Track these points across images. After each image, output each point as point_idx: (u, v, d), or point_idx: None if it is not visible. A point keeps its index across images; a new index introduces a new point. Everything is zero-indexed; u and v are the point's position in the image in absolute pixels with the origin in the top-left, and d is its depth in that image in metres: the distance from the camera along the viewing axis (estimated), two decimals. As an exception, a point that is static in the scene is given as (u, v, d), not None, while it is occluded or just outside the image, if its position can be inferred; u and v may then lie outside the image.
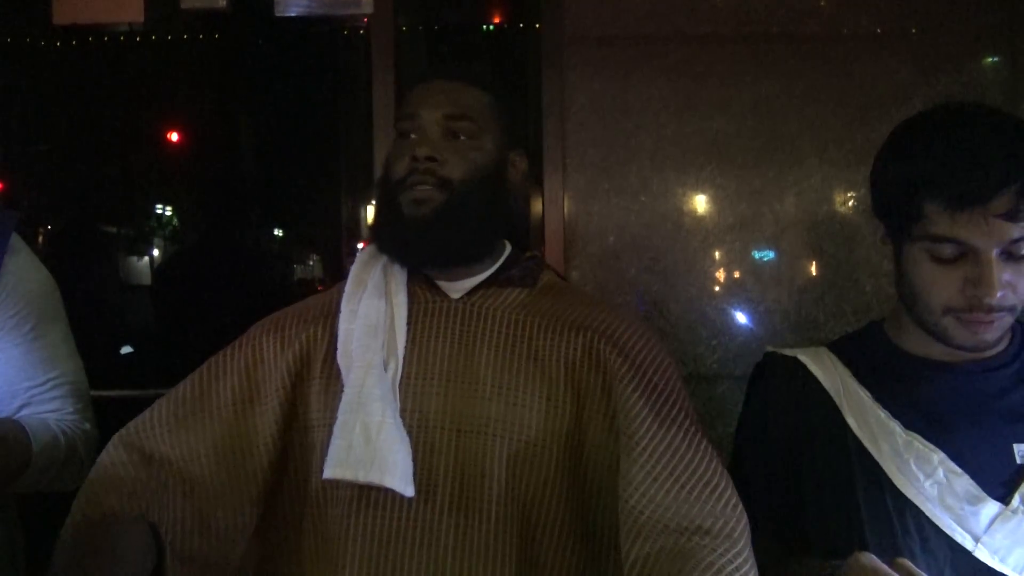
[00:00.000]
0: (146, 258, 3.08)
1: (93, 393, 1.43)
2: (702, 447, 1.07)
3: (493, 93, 1.19)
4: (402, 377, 1.11)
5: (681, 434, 1.07)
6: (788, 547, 1.13)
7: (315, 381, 1.15)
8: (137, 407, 1.20)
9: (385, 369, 1.10)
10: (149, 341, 2.71)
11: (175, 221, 3.09)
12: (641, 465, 1.03)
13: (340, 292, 1.20)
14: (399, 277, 1.18)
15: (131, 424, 1.16)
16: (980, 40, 2.16)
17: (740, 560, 0.98)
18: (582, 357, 1.12)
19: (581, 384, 1.11)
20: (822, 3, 2.19)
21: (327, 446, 1.07)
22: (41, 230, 2.84)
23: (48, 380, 1.35)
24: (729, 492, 1.04)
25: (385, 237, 1.18)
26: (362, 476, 1.04)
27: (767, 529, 1.14)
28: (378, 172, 2.19)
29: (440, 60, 1.27)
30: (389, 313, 1.14)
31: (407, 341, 1.13)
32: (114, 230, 3.00)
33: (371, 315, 1.13)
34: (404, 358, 1.12)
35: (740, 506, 1.04)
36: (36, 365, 1.34)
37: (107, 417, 1.43)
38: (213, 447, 1.12)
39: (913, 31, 2.16)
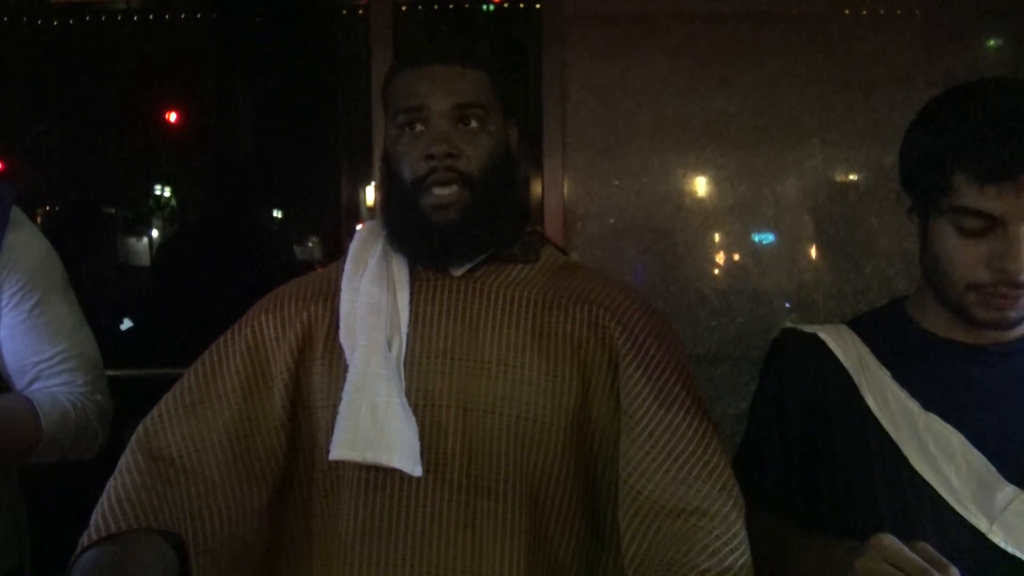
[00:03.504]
0: (145, 239, 3.08)
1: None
2: (701, 427, 1.06)
3: (490, 70, 1.16)
4: (406, 356, 1.10)
5: (681, 414, 1.06)
6: (800, 523, 1.13)
7: (317, 361, 1.14)
8: (137, 386, 1.19)
9: (389, 348, 1.09)
10: (149, 321, 2.71)
11: (174, 202, 3.08)
12: (640, 445, 1.03)
13: (339, 270, 1.18)
14: (400, 256, 1.17)
15: (143, 422, 1.14)
16: (983, 20, 2.15)
17: (736, 542, 0.98)
18: (587, 333, 1.11)
19: (587, 360, 1.10)
20: (824, -20, 2.18)
21: (332, 426, 1.07)
22: (40, 210, 2.83)
23: (56, 353, 1.35)
24: (727, 474, 1.04)
25: (410, 243, 1.14)
26: (369, 456, 1.04)
27: (778, 505, 1.15)
28: (377, 153, 2.20)
29: (429, 40, 1.20)
30: (391, 292, 1.13)
31: (410, 319, 1.12)
32: (113, 211, 2.99)
33: (373, 294, 1.12)
34: (408, 336, 1.11)
35: (736, 487, 1.04)
36: (43, 339, 1.34)
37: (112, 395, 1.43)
38: (225, 434, 1.11)
39: (916, 11, 2.15)
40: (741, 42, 2.15)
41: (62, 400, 1.32)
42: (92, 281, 2.72)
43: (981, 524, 1.03)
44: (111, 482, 1.08)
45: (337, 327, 1.13)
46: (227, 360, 1.15)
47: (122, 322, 2.70)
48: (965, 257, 1.03)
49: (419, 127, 1.12)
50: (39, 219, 2.79)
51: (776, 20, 2.15)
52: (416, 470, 1.04)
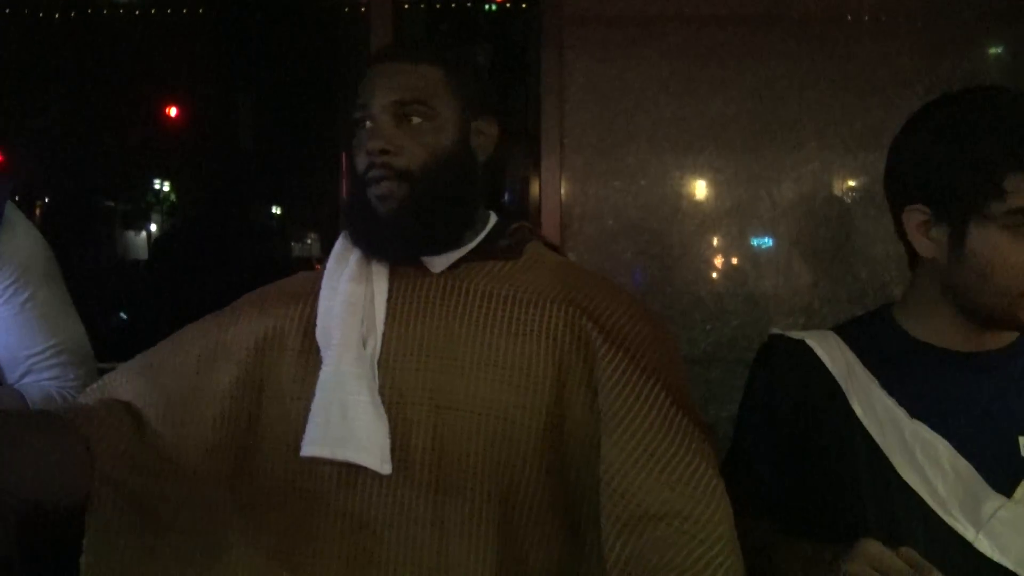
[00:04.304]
0: (143, 233, 3.08)
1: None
2: (683, 429, 1.05)
3: (446, 66, 1.14)
4: (381, 354, 1.10)
5: (662, 416, 1.05)
6: (787, 529, 1.13)
7: (289, 352, 1.14)
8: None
9: (364, 346, 1.09)
10: (146, 315, 2.71)
11: (172, 197, 3.09)
12: (620, 447, 1.02)
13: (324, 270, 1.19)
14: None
15: (98, 381, 1.19)
16: (982, 27, 2.15)
17: (720, 546, 0.97)
18: (563, 332, 1.10)
19: (563, 359, 1.09)
20: (824, -16, 2.18)
21: (303, 420, 1.07)
22: (38, 204, 2.84)
23: (48, 348, 1.35)
24: (710, 475, 1.03)
25: (358, 233, 1.16)
26: (339, 454, 1.04)
27: (766, 510, 1.15)
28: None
29: (395, 40, 1.18)
30: (369, 290, 1.13)
31: (387, 317, 1.12)
32: (112, 205, 2.99)
33: (351, 292, 1.12)
34: (383, 335, 1.11)
35: (721, 488, 1.03)
36: (35, 333, 1.34)
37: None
38: (166, 397, 1.13)
39: (916, 17, 2.15)
40: (740, 45, 2.15)
41: (53, 394, 1.32)
42: (89, 275, 2.72)
43: (967, 532, 1.03)
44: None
45: (315, 323, 1.13)
46: (195, 339, 1.17)
47: (118, 316, 2.70)
48: (1022, 262, 1.02)
49: (367, 124, 1.13)
50: (37, 212, 2.80)
51: (775, 24, 2.15)
52: (385, 468, 1.04)
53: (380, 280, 1.14)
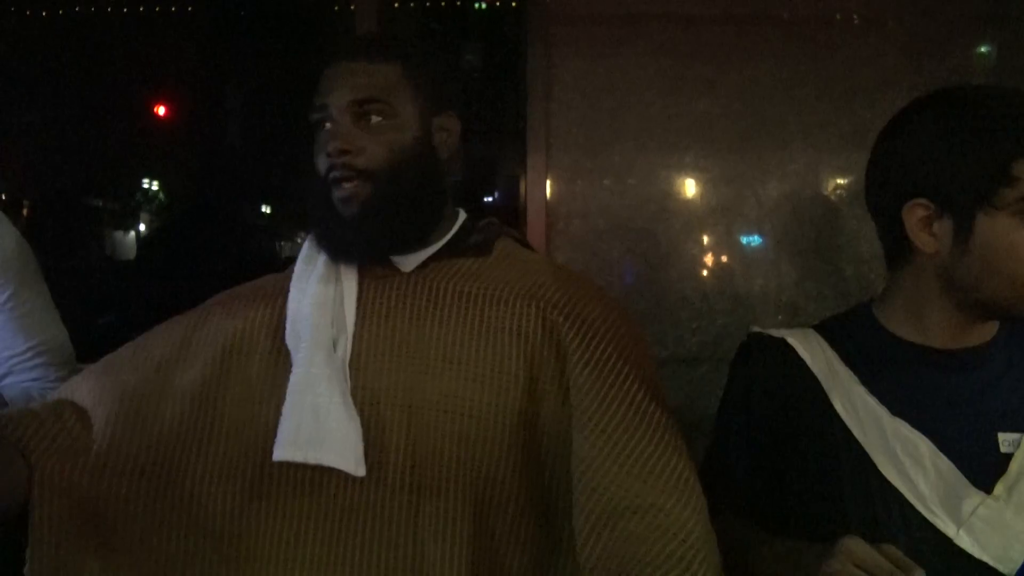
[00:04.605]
0: (132, 232, 3.07)
1: (77, 367, 1.43)
2: (654, 422, 1.05)
3: (405, 63, 1.13)
4: (352, 355, 1.09)
5: (633, 410, 1.05)
6: (766, 527, 1.13)
7: (257, 355, 1.13)
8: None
9: (335, 348, 1.08)
10: (134, 316, 2.70)
11: (161, 196, 3.07)
12: (592, 442, 1.03)
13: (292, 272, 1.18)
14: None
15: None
16: (965, 28, 2.16)
17: (693, 538, 0.98)
18: (535, 328, 1.10)
19: (535, 356, 1.09)
20: (810, -15, 2.19)
21: (274, 423, 1.06)
22: (26, 202, 2.82)
23: (29, 349, 1.35)
24: (682, 467, 1.03)
25: (322, 236, 1.15)
26: (312, 457, 1.03)
27: (745, 509, 1.15)
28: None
29: (351, 36, 1.16)
30: (339, 291, 1.12)
31: (357, 318, 1.11)
32: (100, 204, 2.98)
33: (320, 293, 1.11)
34: (354, 336, 1.10)
35: (693, 480, 1.03)
36: (16, 334, 1.34)
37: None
38: (121, 394, 1.11)
39: (901, 18, 2.16)
40: (726, 45, 2.16)
41: (34, 395, 1.32)
42: (76, 275, 2.71)
43: (948, 529, 1.03)
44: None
45: (284, 326, 1.12)
46: (160, 338, 1.16)
47: (105, 317, 2.69)
48: None
49: (327, 124, 1.11)
50: (24, 211, 2.79)
51: (762, 24, 2.16)
52: (359, 470, 1.03)
53: (349, 281, 1.13)
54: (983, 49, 2.18)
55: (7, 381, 1.33)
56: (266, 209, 3.05)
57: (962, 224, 1.05)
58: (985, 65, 2.17)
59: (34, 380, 1.34)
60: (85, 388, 1.14)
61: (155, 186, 3.08)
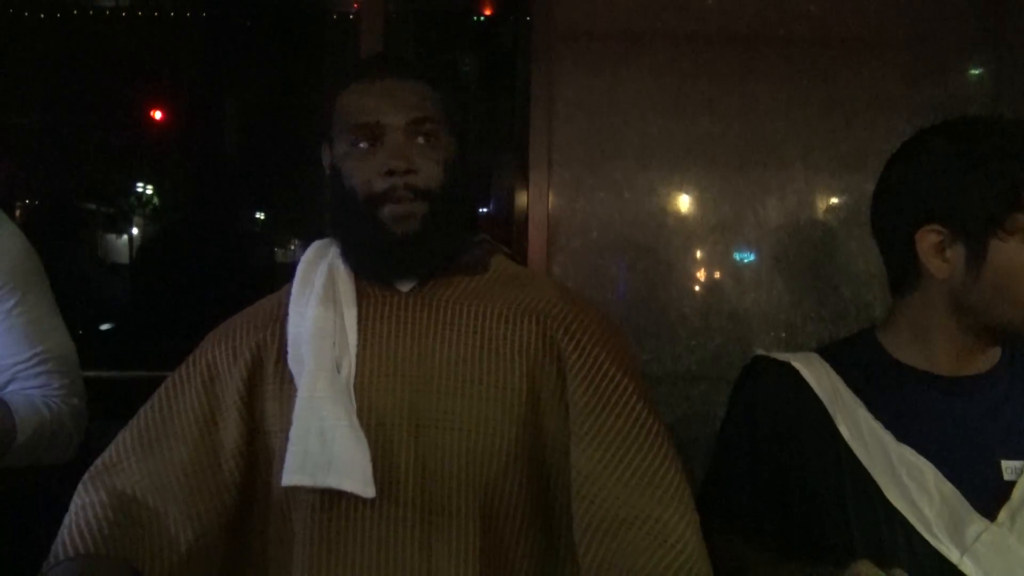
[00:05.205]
0: (125, 236, 3.05)
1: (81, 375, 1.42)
2: (651, 434, 1.07)
3: (442, 85, 1.15)
4: (356, 377, 1.09)
5: (631, 422, 1.07)
6: (769, 549, 1.14)
7: (268, 387, 1.13)
8: (115, 388, 1.19)
9: (338, 370, 1.08)
10: (128, 321, 2.69)
11: (156, 200, 3.06)
12: (590, 455, 1.04)
13: (288, 294, 1.17)
14: (346, 274, 1.16)
15: (99, 460, 1.13)
16: (965, 52, 2.18)
17: (689, 550, 1.00)
18: (537, 344, 1.11)
19: (536, 371, 1.10)
20: (811, 7, 2.20)
21: (283, 450, 1.06)
22: (19, 205, 2.81)
23: (33, 356, 1.34)
24: (678, 479, 1.05)
25: (369, 257, 1.14)
26: (320, 481, 1.03)
27: (748, 530, 1.16)
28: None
29: (378, 54, 1.15)
30: (338, 312, 1.12)
31: (359, 339, 1.11)
32: (93, 207, 2.97)
33: (320, 316, 1.11)
34: (357, 357, 1.10)
35: (688, 493, 1.05)
36: (20, 340, 1.33)
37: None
38: (183, 471, 1.10)
39: (900, 41, 2.18)
40: (727, 64, 2.17)
41: (38, 403, 1.31)
42: (71, 279, 2.69)
43: (952, 555, 1.05)
44: (70, 517, 1.06)
45: (286, 351, 1.12)
46: (183, 396, 1.15)
47: (101, 321, 2.68)
48: None
49: (376, 145, 1.11)
50: (18, 213, 2.77)
51: (762, 44, 2.17)
52: (369, 491, 1.03)
53: (348, 301, 1.13)
54: (981, 73, 2.20)
55: (11, 387, 1.32)
56: (260, 215, 3.04)
57: (975, 249, 1.07)
58: (983, 89, 2.19)
59: (38, 387, 1.33)
60: (137, 472, 1.10)
61: (149, 190, 3.06)
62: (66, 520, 1.07)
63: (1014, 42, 2.18)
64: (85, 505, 1.07)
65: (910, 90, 2.15)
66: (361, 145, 1.11)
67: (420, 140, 1.11)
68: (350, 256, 1.16)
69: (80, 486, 1.11)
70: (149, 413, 1.15)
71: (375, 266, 1.14)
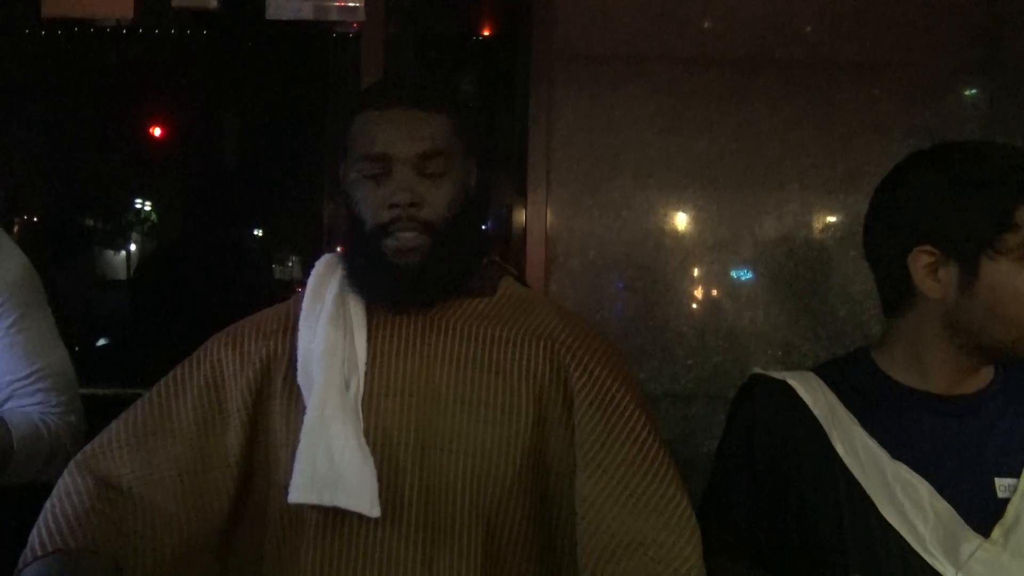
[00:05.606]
0: (123, 252, 3.06)
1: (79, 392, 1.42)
2: (656, 460, 1.08)
3: (452, 112, 1.14)
4: (364, 395, 1.09)
5: (636, 448, 1.07)
6: (766, 567, 1.14)
7: (276, 399, 1.13)
8: (111, 405, 1.18)
9: (347, 388, 1.08)
10: (125, 337, 2.69)
11: (154, 216, 3.07)
12: (595, 482, 1.05)
13: (297, 304, 1.18)
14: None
15: (89, 446, 1.12)
16: (960, 76, 2.21)
17: (694, 573, 1.01)
18: (544, 368, 1.12)
19: (543, 396, 1.11)
20: (808, 31, 2.22)
21: (289, 466, 1.06)
22: (17, 221, 2.81)
23: (31, 373, 1.34)
24: (684, 504, 1.06)
25: (371, 285, 1.14)
26: (327, 499, 1.03)
27: (743, 549, 1.17)
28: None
29: (392, 80, 1.13)
30: (348, 330, 1.12)
31: (368, 358, 1.11)
32: (91, 223, 2.97)
33: (330, 333, 1.11)
34: (365, 375, 1.10)
35: (692, 517, 1.06)
36: (19, 358, 1.33)
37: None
38: (177, 468, 1.09)
39: (895, 64, 2.20)
40: (725, 87, 2.19)
41: (35, 420, 1.31)
42: (69, 295, 2.69)
43: (947, 572, 1.05)
44: (53, 502, 1.05)
45: (295, 366, 1.12)
46: (183, 393, 1.14)
47: (98, 338, 2.68)
48: None
49: (382, 175, 1.11)
50: (16, 229, 2.77)
51: (760, 67, 2.20)
52: (374, 511, 1.03)
53: (359, 319, 1.13)
54: (976, 97, 2.22)
55: (9, 404, 1.33)
56: (259, 232, 3.05)
57: (967, 269, 1.09)
58: (977, 113, 2.21)
59: (36, 404, 1.33)
60: (128, 464, 1.09)
61: (148, 207, 3.07)
62: (47, 505, 1.05)
63: (1008, 66, 2.21)
64: (70, 491, 1.06)
65: (906, 113, 2.17)
66: (369, 176, 1.12)
67: (430, 172, 1.11)
68: (354, 281, 1.16)
69: (66, 471, 1.09)
70: (146, 406, 1.14)
71: (378, 294, 1.14)
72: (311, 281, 1.18)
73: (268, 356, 1.15)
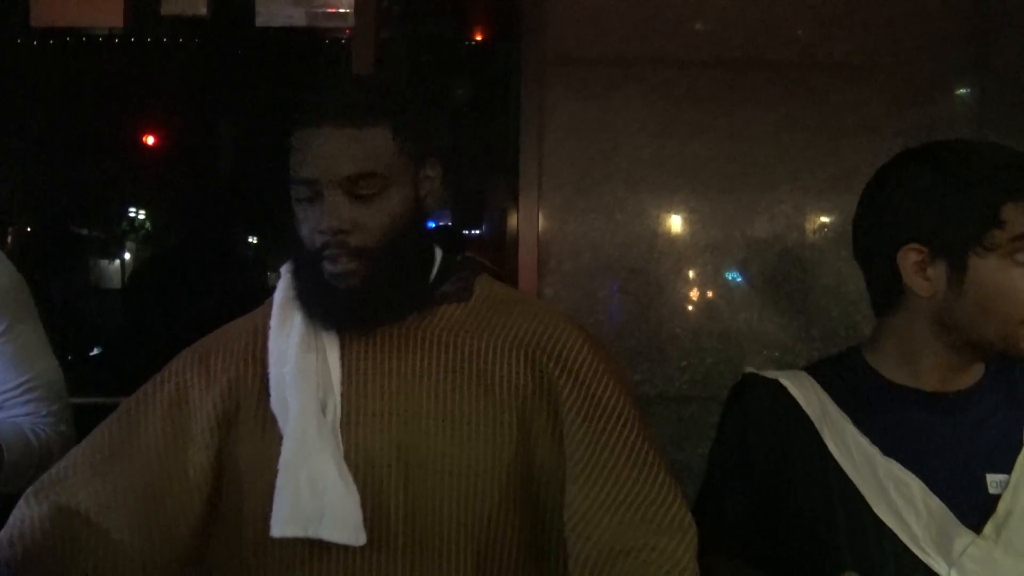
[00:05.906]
0: (117, 261, 3.05)
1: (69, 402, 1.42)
2: (648, 462, 1.05)
3: (394, 123, 1.05)
4: (342, 417, 1.05)
5: (627, 453, 1.05)
6: (760, 566, 1.14)
7: (247, 425, 1.09)
8: (105, 414, 1.17)
9: (323, 412, 1.04)
10: (119, 346, 2.68)
11: (148, 225, 3.06)
12: (586, 494, 1.02)
13: (266, 318, 1.13)
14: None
15: (47, 474, 1.09)
16: (949, 76, 2.22)
17: (687, 575, 0.99)
18: (527, 378, 1.08)
19: (526, 407, 1.07)
20: (799, 32, 2.23)
21: (265, 495, 1.03)
22: (10, 230, 2.81)
23: (21, 383, 1.34)
24: (677, 506, 1.03)
25: (313, 307, 1.08)
26: (312, 532, 1.00)
27: (737, 548, 1.17)
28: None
29: (328, 90, 1.02)
30: (320, 351, 1.08)
31: (343, 378, 1.07)
32: (85, 232, 2.97)
33: (301, 357, 1.06)
34: (342, 395, 1.06)
35: (688, 518, 1.03)
36: (9, 368, 1.33)
37: (76, 424, 1.41)
38: (135, 492, 1.06)
39: (886, 65, 2.21)
40: (717, 89, 2.20)
41: (25, 430, 1.30)
42: (62, 304, 2.69)
43: (940, 568, 1.05)
44: (8, 531, 1.03)
45: (267, 391, 1.08)
46: (146, 415, 1.10)
47: (92, 347, 2.67)
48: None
49: (314, 198, 1.04)
50: (9, 239, 2.77)
51: (751, 69, 2.20)
52: (360, 540, 1.01)
53: (331, 340, 1.09)
54: (967, 97, 2.23)
55: (-2, 415, 1.32)
56: (253, 240, 3.05)
57: (956, 267, 1.09)
58: (968, 112, 2.22)
59: (26, 415, 1.33)
60: (88, 488, 1.06)
61: (142, 215, 3.07)
62: (3, 534, 1.03)
63: (998, 67, 2.22)
64: (24, 518, 1.03)
65: (897, 113, 2.18)
66: (302, 199, 1.06)
67: (362, 194, 1.03)
68: (300, 301, 1.10)
69: (22, 499, 1.06)
70: (107, 430, 1.11)
71: (319, 316, 1.09)
72: (277, 296, 1.13)
73: (237, 377, 1.10)
